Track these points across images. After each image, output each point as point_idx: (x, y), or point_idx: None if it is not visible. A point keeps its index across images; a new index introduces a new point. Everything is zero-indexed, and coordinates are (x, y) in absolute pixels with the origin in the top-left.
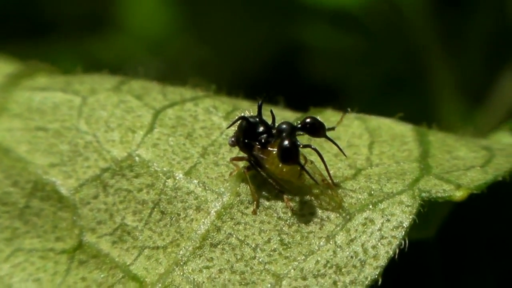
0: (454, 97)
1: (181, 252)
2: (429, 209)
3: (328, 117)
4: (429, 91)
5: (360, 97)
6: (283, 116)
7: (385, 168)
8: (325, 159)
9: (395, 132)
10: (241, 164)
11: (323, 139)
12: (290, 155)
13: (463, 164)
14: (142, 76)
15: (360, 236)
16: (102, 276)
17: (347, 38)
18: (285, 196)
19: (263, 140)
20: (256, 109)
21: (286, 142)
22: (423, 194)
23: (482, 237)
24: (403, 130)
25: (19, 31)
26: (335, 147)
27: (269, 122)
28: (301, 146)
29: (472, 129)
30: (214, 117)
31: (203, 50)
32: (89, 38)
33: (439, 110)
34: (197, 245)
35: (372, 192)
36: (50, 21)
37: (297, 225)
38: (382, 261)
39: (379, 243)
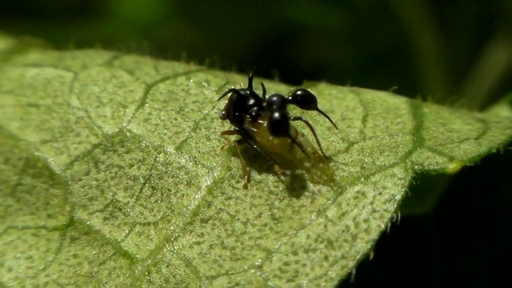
0: (440, 74)
1: (171, 228)
2: (425, 184)
3: (321, 90)
4: (416, 68)
5: (348, 74)
6: (277, 89)
7: (378, 141)
8: (317, 132)
9: (389, 105)
10: (233, 138)
11: (316, 112)
12: (280, 127)
13: (457, 136)
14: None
15: (351, 210)
16: (93, 253)
17: (335, 15)
18: (276, 166)
19: (253, 113)
20: (250, 75)
21: (276, 114)
22: (416, 167)
23: (479, 210)
24: (397, 102)
25: (7, 14)
26: (328, 120)
27: (261, 95)
28: (291, 118)
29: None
30: (206, 91)
31: (194, 34)
32: (78, 22)
33: (426, 87)
34: (188, 220)
35: (365, 165)
36: (39, 5)
37: (288, 199)
38: (374, 235)
39: (370, 217)
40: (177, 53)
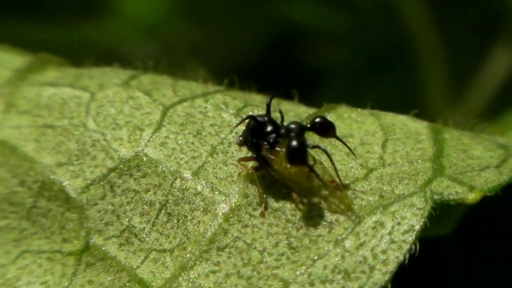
0: (443, 76)
1: (187, 256)
2: (445, 209)
3: (341, 113)
4: (418, 70)
5: (350, 75)
6: (296, 111)
7: (397, 168)
8: (336, 158)
9: (409, 129)
10: (250, 164)
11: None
12: (298, 156)
13: (478, 164)
14: (152, 69)
15: (369, 240)
16: (108, 279)
17: (337, 17)
18: (294, 194)
19: (271, 140)
20: (268, 101)
21: (294, 143)
22: (435, 197)
23: (502, 232)
24: (418, 127)
25: (10, 14)
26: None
27: (279, 121)
28: (309, 146)
29: (458, 112)
30: (224, 114)
31: (197, 33)
32: (81, 21)
33: (428, 89)
34: (204, 248)
35: (383, 194)
36: (40, 4)
37: (305, 228)
38: (392, 267)
39: (389, 248)
40: (180, 53)
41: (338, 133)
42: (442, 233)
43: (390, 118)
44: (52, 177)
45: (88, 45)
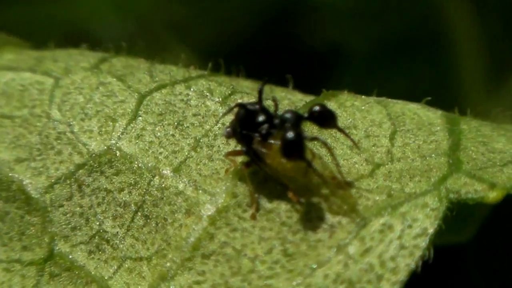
0: (478, 61)
1: (167, 264)
2: (463, 211)
3: (343, 101)
4: (448, 54)
5: (366, 59)
6: (291, 99)
7: (408, 164)
8: (338, 152)
9: (421, 119)
10: (239, 159)
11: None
12: (294, 149)
13: (500, 158)
14: (126, 51)
15: (376, 246)
16: None
17: None
18: (290, 193)
19: (263, 131)
20: (260, 87)
21: (289, 134)
22: (451, 195)
23: None
24: (431, 117)
25: None
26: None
27: (272, 110)
28: (307, 138)
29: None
30: (209, 102)
31: (178, 7)
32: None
33: (460, 76)
34: (187, 256)
35: (392, 193)
36: None
37: (303, 232)
38: (402, 276)
39: (398, 254)
40: (159, 30)
41: (339, 124)
42: (461, 240)
43: (399, 106)
44: (10, 174)
45: (53, 24)
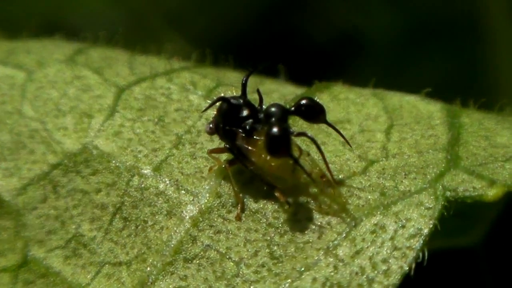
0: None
1: (148, 269)
2: (467, 210)
3: (336, 93)
4: (481, 42)
5: (384, 49)
6: (281, 92)
7: (403, 160)
8: (329, 148)
9: (420, 112)
10: (223, 157)
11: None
12: (280, 146)
13: (503, 153)
14: (104, 39)
15: (368, 247)
16: None
17: None
18: (277, 192)
19: (247, 127)
20: (243, 80)
21: (274, 130)
22: (448, 193)
23: None
24: (430, 109)
25: None
26: (344, 132)
27: (257, 104)
28: (294, 134)
29: None
30: (192, 96)
31: None
32: None
33: (495, 68)
34: (168, 260)
35: (385, 191)
36: None
37: (290, 233)
38: (395, 279)
39: (391, 256)
40: (155, 22)
41: (332, 119)
42: (469, 242)
43: (396, 99)
44: None
45: (35, 16)
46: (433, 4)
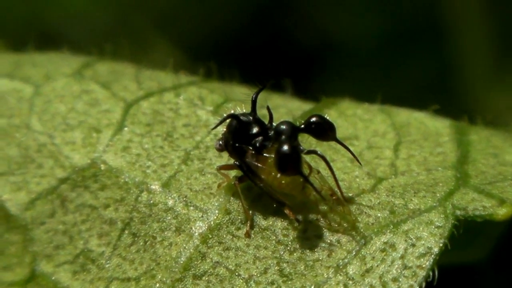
0: (485, 51)
1: (157, 285)
2: (474, 226)
3: (344, 109)
4: (454, 44)
5: (367, 52)
6: (288, 107)
7: (412, 178)
8: (338, 165)
9: (428, 129)
10: (232, 173)
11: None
12: (290, 164)
13: (511, 171)
14: (110, 53)
15: (377, 266)
16: None
17: None
18: (286, 209)
19: (257, 144)
20: (253, 97)
21: (284, 148)
22: (458, 212)
23: None
24: (438, 127)
25: None
26: (352, 149)
27: (267, 120)
28: (304, 152)
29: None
30: (200, 112)
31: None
32: None
33: (467, 68)
34: (177, 276)
35: (395, 209)
36: None
37: (300, 251)
38: None
39: (401, 275)
40: (142, 24)
41: (339, 135)
42: (473, 259)
43: (404, 115)
44: None
45: (25, 18)
46: (418, 9)
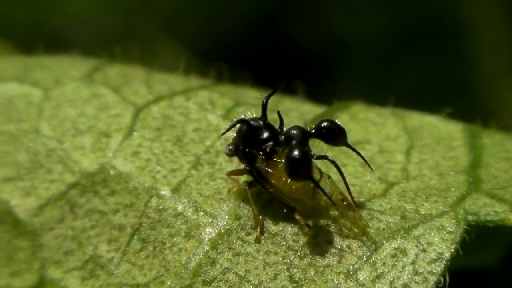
0: (503, 54)
1: None
2: (489, 231)
3: (355, 113)
4: (468, 46)
5: (375, 54)
6: (300, 111)
7: (424, 182)
8: (349, 170)
9: (440, 133)
10: (242, 178)
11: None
12: (301, 169)
13: None
14: (120, 57)
15: (388, 271)
16: None
17: None
18: (296, 215)
19: (268, 149)
20: (264, 102)
21: (295, 153)
22: (469, 217)
23: None
24: (451, 130)
25: None
26: (363, 153)
27: (277, 125)
28: (315, 157)
29: None
30: (210, 116)
31: (167, 1)
32: None
33: (481, 71)
34: (187, 282)
35: (406, 214)
36: None
37: (310, 256)
38: None
39: (412, 281)
40: (147, 26)
41: (351, 139)
42: (486, 263)
43: (416, 119)
44: None
45: (30, 20)
46: (424, 8)
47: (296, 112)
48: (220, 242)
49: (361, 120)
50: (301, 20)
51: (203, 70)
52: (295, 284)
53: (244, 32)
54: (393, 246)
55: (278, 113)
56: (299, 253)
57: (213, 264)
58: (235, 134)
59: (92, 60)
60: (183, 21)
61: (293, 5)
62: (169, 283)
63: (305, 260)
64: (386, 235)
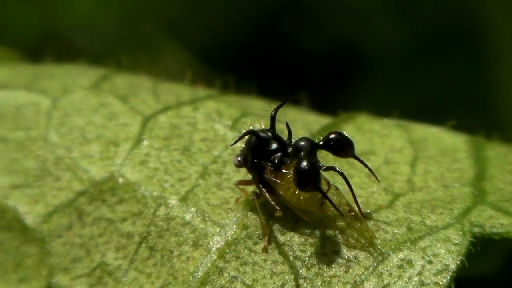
0: None
1: None
2: (492, 241)
3: (361, 124)
4: (486, 55)
5: (387, 64)
6: (305, 121)
7: (430, 194)
8: (355, 181)
9: (445, 145)
10: (250, 189)
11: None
12: (309, 180)
13: None
14: (127, 66)
15: (394, 283)
16: None
17: None
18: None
19: (276, 161)
20: (272, 113)
21: (303, 164)
22: (475, 229)
23: None
24: (455, 142)
25: None
26: (369, 164)
27: (285, 136)
28: (322, 168)
29: None
30: (218, 126)
31: (172, 4)
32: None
33: (499, 80)
34: None
35: (412, 226)
36: None
37: (317, 267)
38: None
39: None
40: (151, 30)
41: (357, 150)
42: (486, 271)
43: (421, 130)
44: (4, 202)
45: (35, 24)
46: (435, 16)
47: (301, 123)
48: (227, 251)
49: (366, 132)
50: (305, 25)
51: (209, 78)
52: None
53: (248, 36)
54: (399, 257)
55: (287, 124)
56: (306, 263)
57: (220, 273)
58: (243, 145)
59: (100, 69)
60: (187, 25)
61: (299, 10)
62: None
63: (312, 270)
64: (393, 246)
